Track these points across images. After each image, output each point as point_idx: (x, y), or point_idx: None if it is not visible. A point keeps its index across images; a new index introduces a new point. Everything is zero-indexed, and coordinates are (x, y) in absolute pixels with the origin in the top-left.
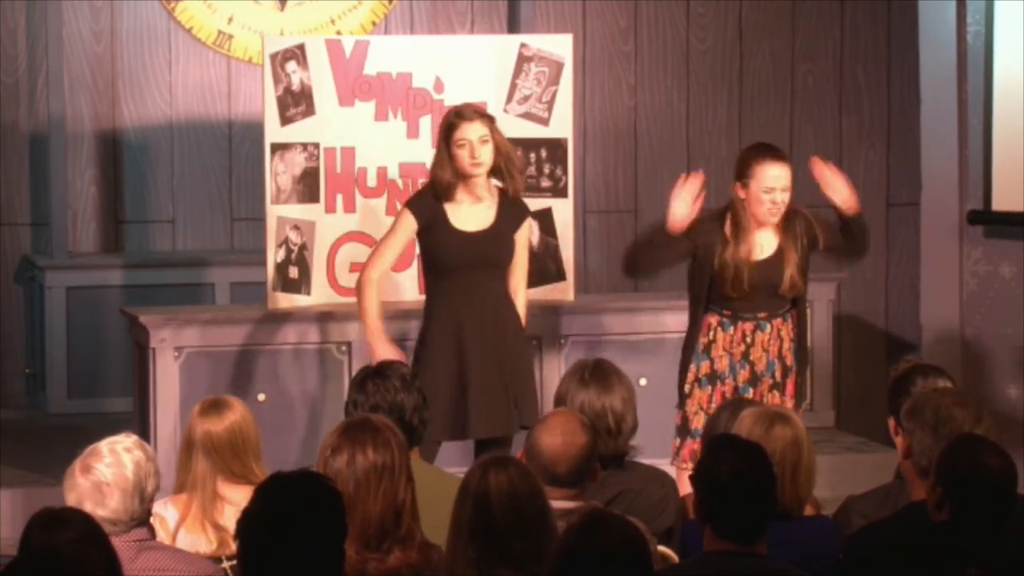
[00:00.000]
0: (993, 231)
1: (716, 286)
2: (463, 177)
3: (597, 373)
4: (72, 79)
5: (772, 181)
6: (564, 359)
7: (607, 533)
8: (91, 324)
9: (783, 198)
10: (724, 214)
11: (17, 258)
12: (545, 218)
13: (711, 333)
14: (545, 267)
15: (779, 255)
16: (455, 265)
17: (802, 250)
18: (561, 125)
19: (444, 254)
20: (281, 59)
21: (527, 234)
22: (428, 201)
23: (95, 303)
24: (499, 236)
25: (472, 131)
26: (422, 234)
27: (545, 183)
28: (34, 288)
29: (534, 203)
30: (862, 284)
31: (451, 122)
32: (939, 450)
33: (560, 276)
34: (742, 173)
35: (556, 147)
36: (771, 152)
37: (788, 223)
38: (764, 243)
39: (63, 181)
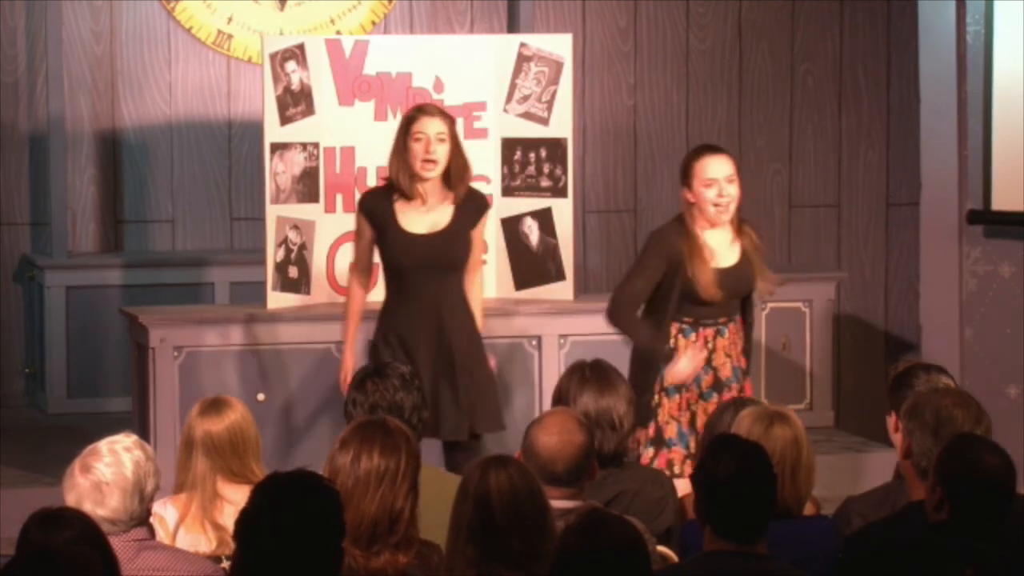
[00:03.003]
0: (993, 231)
1: (687, 295)
2: (416, 177)
3: (597, 371)
4: (72, 79)
5: (712, 173)
6: (564, 359)
7: (606, 533)
8: (90, 324)
9: (729, 191)
10: (681, 226)
11: (17, 258)
12: (545, 218)
13: (672, 341)
14: (545, 267)
15: (744, 260)
16: (404, 268)
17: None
18: (561, 125)
19: (393, 257)
20: (281, 59)
21: (483, 228)
22: (378, 201)
23: (94, 303)
24: (453, 238)
25: (431, 126)
26: (375, 233)
27: (545, 183)
28: (33, 288)
29: (534, 203)
30: (861, 284)
31: (411, 115)
32: (939, 451)
33: (560, 276)
34: (684, 176)
35: (556, 147)
36: (708, 148)
37: (750, 239)
38: (726, 249)
39: (63, 181)
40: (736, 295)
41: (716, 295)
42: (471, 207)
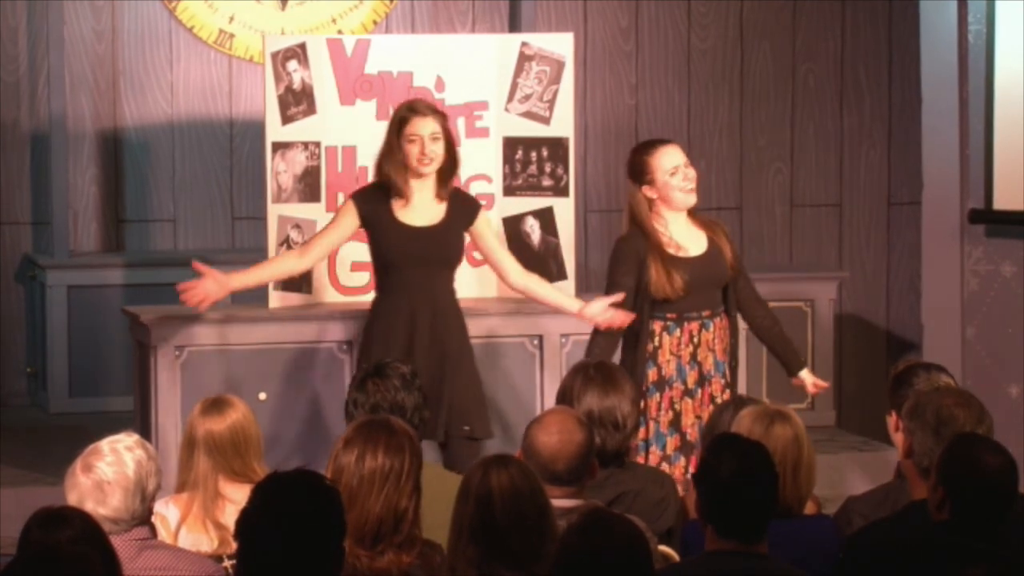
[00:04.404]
0: (994, 230)
1: (655, 294)
2: (412, 173)
3: (602, 371)
4: (73, 78)
5: (673, 161)
6: (565, 358)
7: (608, 532)
8: (92, 323)
9: (691, 173)
10: (643, 229)
11: (18, 257)
12: (546, 217)
13: (656, 339)
14: (546, 266)
15: (713, 247)
16: (401, 261)
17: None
18: (562, 124)
19: (390, 249)
20: (282, 58)
21: (487, 225)
22: (374, 195)
23: (96, 302)
24: (448, 233)
25: (424, 127)
26: (368, 229)
27: (546, 182)
28: (35, 287)
29: (535, 202)
30: (863, 283)
31: (403, 116)
32: (940, 451)
33: (561, 275)
34: (640, 174)
35: (557, 146)
36: (655, 142)
37: (712, 228)
38: (693, 241)
39: (64, 180)
40: (710, 285)
41: (671, 293)
42: (462, 207)
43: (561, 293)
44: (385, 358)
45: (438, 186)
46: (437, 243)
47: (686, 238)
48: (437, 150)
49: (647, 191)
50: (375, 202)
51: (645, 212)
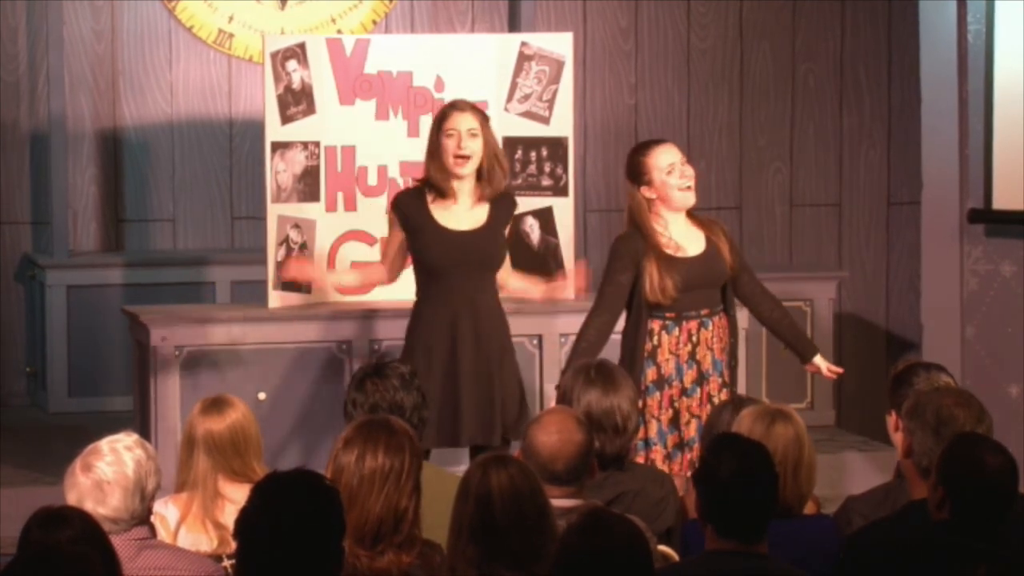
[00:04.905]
0: (994, 230)
1: (648, 298)
2: (450, 174)
3: (603, 372)
4: (73, 78)
5: (669, 159)
6: (564, 358)
7: (607, 532)
8: (92, 323)
9: (688, 171)
10: (640, 229)
11: (18, 257)
12: (545, 217)
13: (655, 338)
14: (546, 266)
15: (711, 246)
16: (443, 266)
17: (729, 247)
18: (562, 124)
19: (431, 254)
20: (282, 58)
21: (510, 228)
22: (413, 199)
23: (96, 302)
24: (491, 236)
25: (462, 122)
26: (409, 234)
27: (546, 182)
28: (35, 287)
29: (535, 201)
30: (863, 282)
31: (443, 113)
32: (940, 451)
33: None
34: (638, 175)
35: (557, 146)
36: (651, 142)
37: (710, 227)
38: (692, 240)
39: (64, 180)
40: (708, 284)
41: (663, 300)
42: (504, 206)
43: (525, 283)
44: (428, 365)
45: (478, 187)
46: (478, 248)
47: (685, 238)
48: (474, 146)
49: (646, 192)
50: (414, 206)
51: (644, 213)
